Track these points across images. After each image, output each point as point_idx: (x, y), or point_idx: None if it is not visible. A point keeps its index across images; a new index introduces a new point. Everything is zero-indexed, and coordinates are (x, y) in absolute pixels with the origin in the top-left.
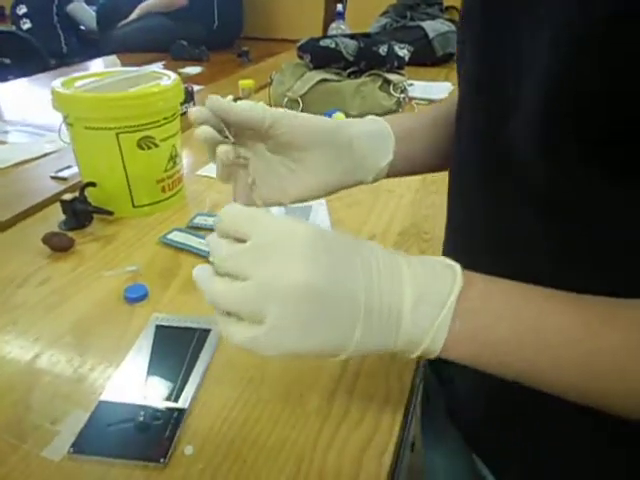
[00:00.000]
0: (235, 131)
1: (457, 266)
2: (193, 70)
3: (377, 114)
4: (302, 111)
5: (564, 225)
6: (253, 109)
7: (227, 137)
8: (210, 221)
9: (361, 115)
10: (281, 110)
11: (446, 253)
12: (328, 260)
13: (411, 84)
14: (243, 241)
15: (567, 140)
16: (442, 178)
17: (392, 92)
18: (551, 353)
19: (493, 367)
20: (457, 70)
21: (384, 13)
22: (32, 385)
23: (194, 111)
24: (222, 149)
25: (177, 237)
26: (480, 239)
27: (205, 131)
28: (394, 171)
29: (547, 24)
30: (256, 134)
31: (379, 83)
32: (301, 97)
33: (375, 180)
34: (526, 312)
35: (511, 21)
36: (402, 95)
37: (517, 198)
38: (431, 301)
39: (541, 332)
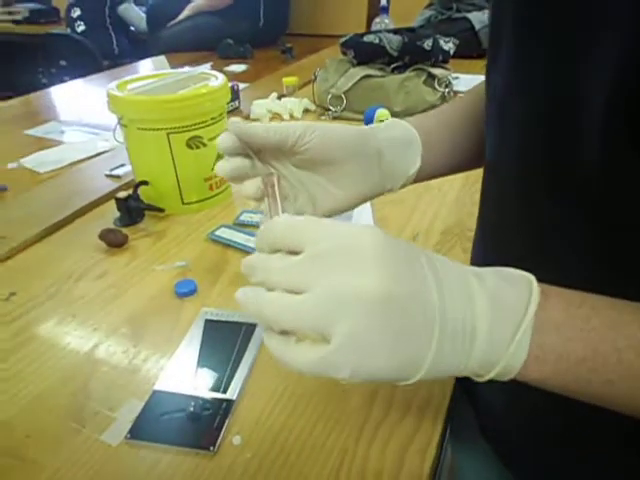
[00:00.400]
0: (260, 150)
1: (531, 276)
2: (238, 68)
3: (421, 109)
4: (346, 108)
5: (607, 228)
6: (273, 131)
7: (251, 157)
8: (256, 218)
9: (406, 110)
10: (304, 125)
11: (476, 252)
12: (401, 270)
13: (456, 77)
14: (295, 254)
15: (628, 142)
16: None
17: (437, 87)
18: (631, 368)
19: (573, 387)
20: (489, 60)
21: (429, 5)
22: (91, 374)
23: (222, 142)
24: (249, 189)
25: (224, 233)
26: (513, 237)
27: (227, 171)
28: (420, 177)
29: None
30: (281, 152)
31: (423, 78)
32: (345, 93)
33: (403, 187)
34: (603, 326)
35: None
36: (447, 89)
37: (560, 197)
38: (508, 315)
39: (619, 345)
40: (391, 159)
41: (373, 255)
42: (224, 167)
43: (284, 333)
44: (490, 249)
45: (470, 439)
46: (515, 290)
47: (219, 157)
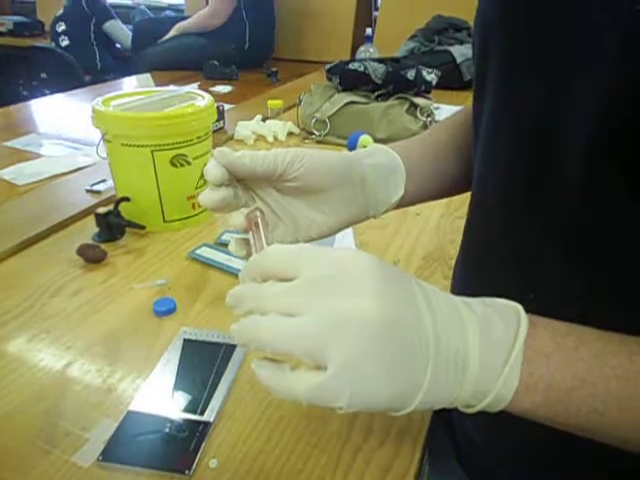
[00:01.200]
0: (244, 178)
1: (518, 305)
2: (224, 89)
3: (403, 137)
4: (329, 132)
5: (593, 260)
6: (261, 161)
7: (235, 186)
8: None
9: (388, 138)
10: (292, 153)
11: (457, 281)
12: (398, 294)
13: (437, 107)
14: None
15: (612, 173)
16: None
17: (419, 116)
18: (619, 398)
19: (562, 417)
20: (475, 96)
21: (412, 37)
22: (63, 393)
23: (211, 173)
24: (236, 221)
25: (205, 252)
26: (496, 270)
27: (214, 202)
28: (404, 202)
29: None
30: (266, 180)
31: (406, 106)
32: (329, 118)
33: (385, 212)
34: (590, 356)
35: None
36: (429, 119)
37: (546, 227)
38: (498, 344)
39: (606, 374)
40: (374, 186)
41: (371, 279)
42: (210, 198)
43: (274, 362)
44: (472, 278)
45: (447, 466)
46: (503, 319)
47: (203, 176)
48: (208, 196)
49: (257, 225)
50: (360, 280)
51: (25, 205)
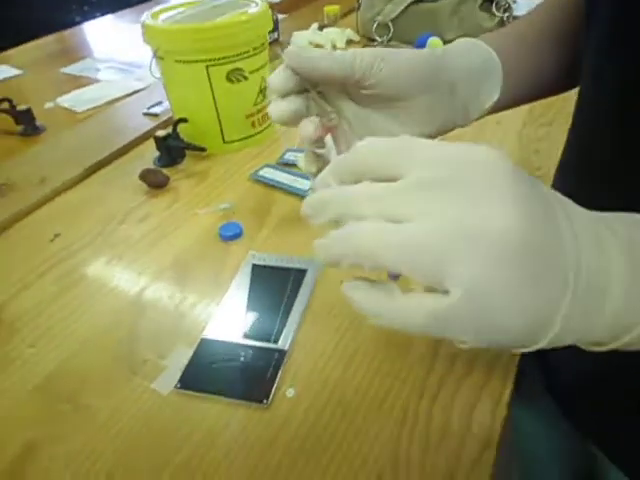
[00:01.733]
0: (317, 84)
1: None
2: None
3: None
4: (393, 37)
5: None
6: (338, 63)
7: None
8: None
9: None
10: (371, 53)
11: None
12: (539, 208)
13: (515, 0)
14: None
15: None
16: (553, 107)
17: (494, 11)
18: None
19: None
20: None
21: None
22: (139, 319)
23: (277, 81)
24: (308, 129)
25: (268, 174)
26: (602, 184)
27: (286, 113)
28: (497, 108)
29: None
30: (341, 87)
31: (480, 1)
32: (392, 21)
33: (476, 121)
34: None
35: None
36: (506, 14)
37: None
38: None
39: None
40: (465, 93)
41: (507, 188)
42: (281, 108)
43: (375, 284)
44: (580, 192)
45: (535, 393)
46: None
47: (261, 91)
48: (278, 107)
49: (335, 129)
50: (494, 187)
51: (85, 132)
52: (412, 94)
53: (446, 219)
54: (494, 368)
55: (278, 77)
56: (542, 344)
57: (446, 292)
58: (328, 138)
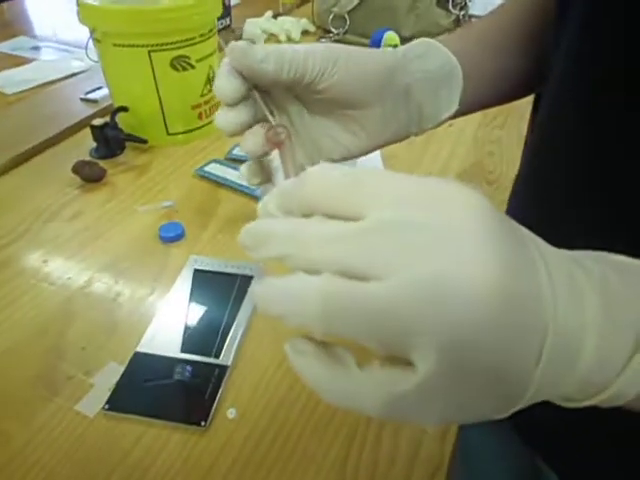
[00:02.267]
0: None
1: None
2: None
3: (433, 34)
4: (349, 30)
5: None
6: (287, 67)
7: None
8: None
9: (416, 35)
10: (323, 55)
11: (512, 206)
12: (518, 260)
13: None
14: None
15: None
16: (507, 111)
17: (451, 9)
18: None
19: None
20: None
21: None
22: (64, 330)
23: (224, 86)
24: (250, 143)
25: (215, 170)
26: (561, 196)
27: (235, 125)
28: (455, 114)
29: None
30: (289, 89)
31: None
32: (348, 13)
33: (430, 129)
34: None
35: None
36: (462, 12)
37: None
38: (623, 321)
39: None
40: (421, 99)
41: (485, 234)
42: (230, 120)
43: (324, 349)
44: (539, 205)
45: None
46: (628, 285)
47: (209, 81)
48: (225, 117)
49: (283, 145)
50: (470, 235)
51: (15, 116)
52: (366, 100)
53: (415, 277)
54: None
55: (226, 85)
56: (517, 408)
57: (408, 364)
58: (275, 155)
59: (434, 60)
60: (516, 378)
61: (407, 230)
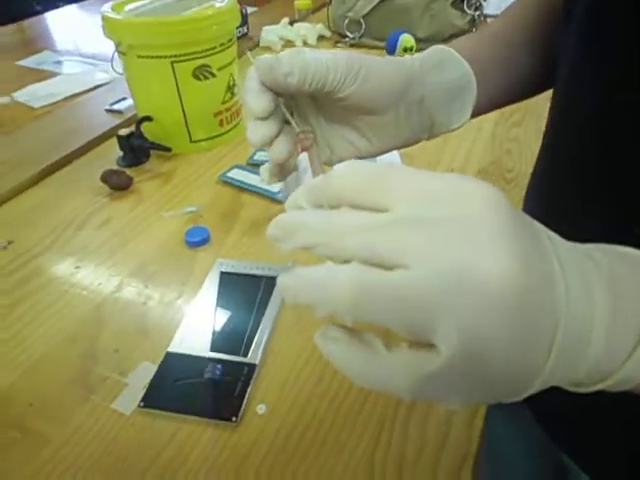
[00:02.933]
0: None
1: None
2: None
3: (448, 35)
4: (364, 33)
5: None
6: (310, 77)
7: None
8: None
9: (431, 36)
10: (345, 65)
11: (528, 202)
12: (532, 254)
13: None
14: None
15: None
16: (525, 108)
17: (466, 9)
18: None
19: None
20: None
21: None
22: (98, 334)
23: (255, 101)
24: (281, 152)
25: (237, 175)
26: (570, 191)
27: (267, 138)
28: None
29: None
30: (310, 99)
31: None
32: (363, 18)
33: (440, 135)
34: None
35: None
36: (477, 12)
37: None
38: (630, 310)
39: None
40: (434, 109)
41: (502, 230)
42: (263, 134)
43: (353, 334)
44: (555, 203)
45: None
46: (634, 275)
47: (229, 89)
48: (258, 131)
49: (311, 148)
50: (489, 229)
51: (43, 129)
52: (382, 109)
53: (439, 267)
54: None
55: (257, 101)
56: (528, 393)
57: (432, 347)
58: (303, 157)
59: (450, 72)
60: (529, 363)
61: (431, 223)
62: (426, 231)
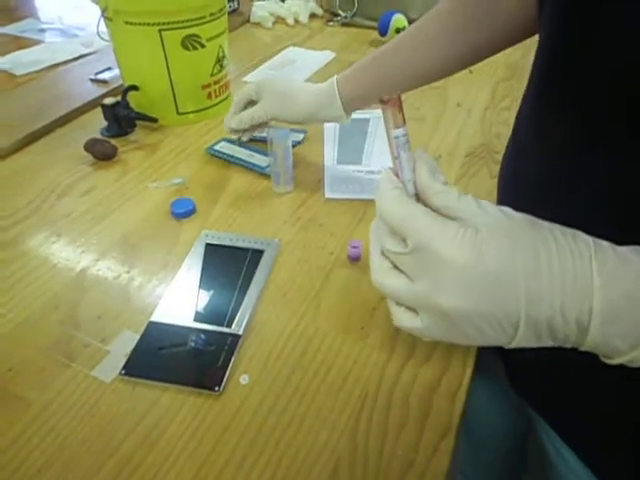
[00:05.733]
0: None
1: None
2: None
3: None
4: (357, 12)
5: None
6: (242, 124)
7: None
8: (264, 133)
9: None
10: (258, 114)
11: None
12: (488, 284)
13: None
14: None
15: None
16: (515, 92)
17: None
18: None
19: None
20: None
21: None
22: (79, 302)
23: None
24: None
25: (225, 148)
26: (529, 179)
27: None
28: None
29: None
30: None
31: None
32: None
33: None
34: None
35: None
36: None
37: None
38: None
39: None
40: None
41: (454, 274)
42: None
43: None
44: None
45: (492, 377)
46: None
47: (219, 61)
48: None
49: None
50: (450, 270)
51: (25, 97)
52: (298, 122)
53: (423, 287)
54: (454, 352)
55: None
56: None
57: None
58: (402, 160)
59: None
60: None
61: (419, 254)
62: (419, 260)
